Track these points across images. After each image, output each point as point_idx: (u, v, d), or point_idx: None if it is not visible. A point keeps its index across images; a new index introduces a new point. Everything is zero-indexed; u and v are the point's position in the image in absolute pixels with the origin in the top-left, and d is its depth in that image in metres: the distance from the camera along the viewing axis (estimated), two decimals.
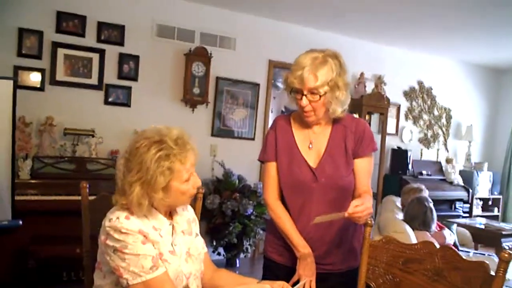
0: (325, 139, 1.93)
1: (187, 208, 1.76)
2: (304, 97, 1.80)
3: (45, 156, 3.92)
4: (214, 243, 4.60)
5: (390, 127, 6.07)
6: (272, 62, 5.28)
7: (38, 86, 4.10)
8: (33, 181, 3.67)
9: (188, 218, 1.73)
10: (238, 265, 4.75)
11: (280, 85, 5.17)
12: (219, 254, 4.66)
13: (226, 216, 4.46)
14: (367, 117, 5.63)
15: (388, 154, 6.08)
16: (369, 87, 5.70)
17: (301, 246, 1.85)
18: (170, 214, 1.64)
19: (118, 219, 1.49)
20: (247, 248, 4.72)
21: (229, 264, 4.70)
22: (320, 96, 1.79)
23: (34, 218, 3.37)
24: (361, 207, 1.64)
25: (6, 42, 3.99)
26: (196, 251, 1.70)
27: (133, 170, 1.51)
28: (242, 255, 4.76)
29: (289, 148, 1.95)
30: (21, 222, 3.16)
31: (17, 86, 3.18)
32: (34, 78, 4.10)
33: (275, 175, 1.96)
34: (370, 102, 5.52)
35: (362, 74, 5.65)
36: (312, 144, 1.93)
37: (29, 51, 4.06)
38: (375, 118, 5.86)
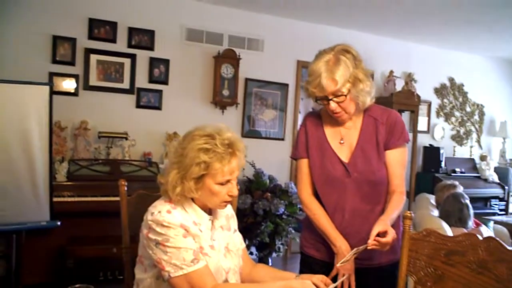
0: (356, 133, 1.92)
1: None
2: (330, 101, 1.79)
3: (80, 159, 4.01)
4: (247, 243, 4.60)
5: (422, 125, 5.98)
6: (300, 62, 5.27)
7: (72, 91, 4.21)
8: (69, 183, 3.76)
9: (226, 214, 1.75)
10: (270, 264, 4.74)
11: None
12: (251, 253, 4.67)
13: (258, 216, 4.47)
14: None
15: (420, 152, 5.99)
16: (399, 85, 5.62)
17: (338, 241, 1.84)
18: (209, 209, 1.65)
19: (160, 213, 1.51)
20: (279, 247, 4.71)
21: (261, 263, 4.69)
22: (345, 95, 1.78)
23: (71, 219, 3.46)
24: (383, 239, 1.63)
25: (41, 50, 4.11)
26: (234, 246, 1.71)
27: (177, 153, 1.56)
28: (274, 254, 4.76)
29: (320, 144, 1.94)
30: (59, 223, 3.25)
31: (52, 92, 3.27)
32: (69, 84, 4.20)
33: (308, 172, 1.96)
34: (400, 100, 5.44)
35: (391, 72, 5.58)
36: (343, 139, 1.92)
37: (63, 58, 4.17)
38: (405, 116, 5.77)
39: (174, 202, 1.56)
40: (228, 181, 1.56)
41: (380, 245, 1.64)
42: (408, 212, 1.70)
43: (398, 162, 1.90)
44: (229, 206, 1.80)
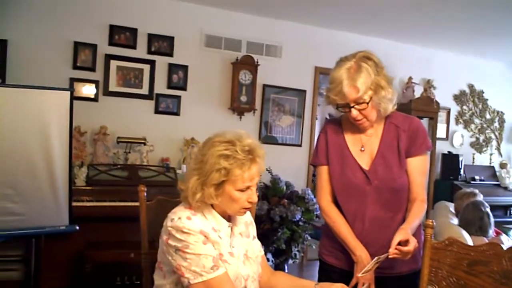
0: (377, 140, 1.90)
1: None
2: (352, 109, 1.78)
3: (99, 164, 4.05)
4: (263, 249, 4.60)
5: (440, 132, 5.91)
6: (318, 69, 5.26)
7: (92, 97, 4.26)
8: (88, 188, 3.79)
9: (245, 220, 1.75)
10: (286, 271, 4.72)
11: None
12: (267, 260, 4.63)
13: (274, 222, 4.45)
14: None
15: (439, 159, 5.92)
16: (418, 92, 5.58)
17: (358, 249, 1.82)
18: (228, 216, 1.65)
19: (180, 219, 1.52)
20: (295, 254, 4.69)
21: (278, 269, 4.65)
22: (367, 103, 1.76)
23: (89, 223, 3.47)
24: (405, 248, 1.61)
25: (62, 55, 4.17)
26: (253, 253, 1.71)
27: (197, 159, 1.56)
28: (290, 261, 4.73)
29: (341, 151, 1.93)
30: (77, 227, 3.28)
31: (73, 97, 3.31)
32: (89, 89, 4.26)
33: (328, 179, 1.95)
34: (419, 107, 5.39)
35: (410, 78, 5.53)
36: (364, 146, 1.90)
37: (83, 64, 4.23)
38: (424, 122, 5.72)
39: (194, 209, 1.56)
40: (248, 187, 1.56)
41: (401, 254, 1.62)
42: (430, 220, 1.68)
43: (419, 170, 1.88)
44: (248, 213, 1.79)
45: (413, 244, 1.63)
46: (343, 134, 1.95)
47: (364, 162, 1.89)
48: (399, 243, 1.61)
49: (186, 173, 1.62)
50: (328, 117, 5.92)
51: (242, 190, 1.55)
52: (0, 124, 2.98)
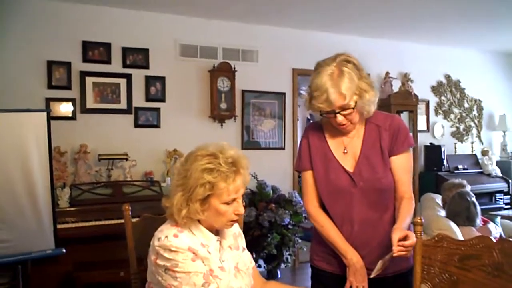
0: (359, 141, 1.89)
1: None
2: (337, 115, 1.76)
3: (82, 183, 3.98)
4: (254, 256, 4.58)
5: (421, 124, 5.96)
6: (296, 70, 5.27)
7: (70, 115, 4.20)
8: (72, 209, 3.73)
9: (234, 232, 1.72)
10: (279, 276, 4.71)
11: (303, 92, 5.10)
12: (259, 266, 4.63)
13: (264, 228, 4.44)
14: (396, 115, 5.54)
15: (421, 151, 5.98)
16: (396, 86, 5.62)
17: (349, 252, 1.80)
18: (216, 229, 1.63)
19: (167, 238, 1.49)
20: (287, 258, 4.67)
21: (271, 275, 4.66)
22: (353, 108, 1.75)
23: (76, 244, 3.43)
24: (407, 242, 1.60)
25: (36, 75, 4.11)
26: (244, 265, 1.68)
27: (180, 175, 1.53)
28: (282, 266, 4.72)
29: (324, 154, 1.91)
30: (64, 250, 3.22)
31: (50, 118, 3.26)
32: (66, 108, 4.19)
33: (313, 183, 1.93)
34: (398, 101, 5.44)
35: (387, 73, 5.58)
36: (346, 148, 1.89)
37: (58, 82, 4.16)
38: (404, 116, 5.75)
39: (180, 225, 1.53)
40: (234, 199, 1.53)
41: (406, 250, 1.60)
42: (418, 218, 1.68)
43: (404, 168, 1.87)
44: (236, 225, 1.76)
45: (413, 237, 1.62)
46: (325, 138, 1.94)
47: (348, 164, 1.88)
48: (399, 241, 1.60)
49: (170, 189, 1.58)
50: (309, 117, 5.95)
51: (228, 203, 1.52)
52: None
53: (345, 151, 1.89)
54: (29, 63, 4.08)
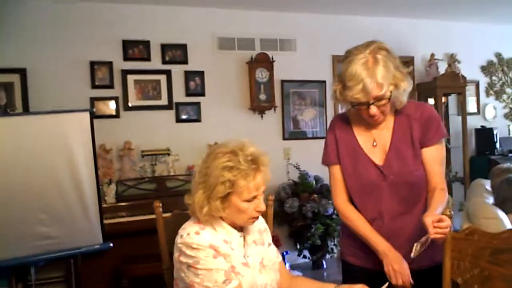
0: (389, 132, 1.82)
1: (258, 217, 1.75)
2: (371, 106, 1.68)
3: (127, 179, 4.12)
4: (298, 247, 4.58)
5: (471, 106, 5.71)
6: (336, 57, 5.16)
7: (114, 113, 4.34)
8: (118, 204, 3.87)
9: (259, 228, 1.72)
10: (325, 267, 4.68)
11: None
12: (304, 257, 4.63)
13: (307, 218, 4.42)
14: (443, 98, 5.34)
15: (472, 135, 5.72)
16: (442, 68, 5.40)
17: (380, 245, 1.75)
18: (240, 225, 1.63)
19: (188, 235, 1.51)
20: (332, 249, 4.64)
21: (316, 266, 4.65)
22: (388, 98, 1.67)
23: (123, 239, 3.54)
24: (443, 223, 1.53)
25: (81, 76, 4.27)
26: (270, 261, 1.68)
27: (201, 173, 1.55)
28: (328, 256, 4.69)
29: (352, 148, 1.85)
30: (111, 244, 3.35)
31: (93, 117, 3.36)
32: (109, 106, 4.34)
33: (341, 178, 1.88)
34: (444, 83, 5.22)
35: (432, 55, 5.37)
36: (376, 141, 1.83)
37: (101, 82, 4.31)
38: (452, 99, 5.55)
39: (202, 223, 1.55)
40: (254, 197, 1.53)
41: (442, 232, 1.54)
42: (448, 210, 1.62)
43: (436, 160, 1.79)
44: (262, 220, 1.77)
45: (447, 219, 1.55)
46: (353, 130, 1.87)
47: (377, 157, 1.82)
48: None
49: (192, 186, 1.61)
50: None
51: (249, 201, 1.53)
52: (27, 151, 3.05)
53: (375, 143, 1.83)
54: (73, 65, 4.24)
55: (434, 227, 1.53)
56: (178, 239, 1.54)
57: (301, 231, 4.46)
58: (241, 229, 1.63)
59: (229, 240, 1.57)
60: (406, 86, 1.70)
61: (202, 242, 1.50)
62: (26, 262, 3.00)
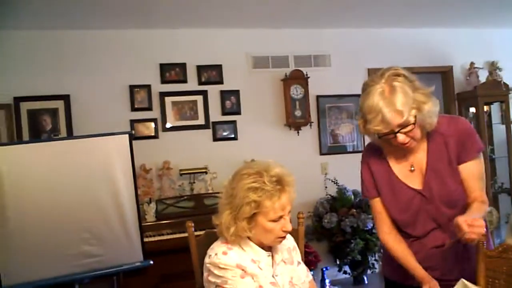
0: (424, 154, 1.78)
1: (287, 236, 1.76)
2: (398, 134, 1.64)
3: (167, 198, 4.22)
4: (338, 262, 4.53)
5: None
6: (371, 70, 5.12)
7: (153, 134, 4.47)
8: (158, 222, 3.96)
9: (288, 247, 1.74)
10: (366, 282, 4.60)
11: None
12: (345, 272, 4.57)
13: (346, 233, 4.37)
14: (485, 107, 5.18)
15: None
16: (482, 76, 5.25)
17: (423, 277, 1.71)
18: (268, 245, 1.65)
19: (216, 255, 1.55)
20: (373, 264, 4.56)
21: (357, 281, 4.58)
22: (413, 123, 1.63)
23: (163, 256, 3.62)
24: (477, 223, 1.49)
25: (121, 100, 4.43)
26: (299, 280, 1.69)
27: (227, 194, 1.59)
28: (369, 271, 4.61)
29: (388, 178, 1.82)
30: (152, 262, 3.43)
31: (133, 138, 3.49)
32: (148, 128, 4.46)
33: (382, 210, 1.86)
34: (486, 92, 5.07)
35: (471, 63, 5.23)
36: (413, 165, 1.79)
37: (141, 105, 4.45)
38: (495, 107, 5.38)
39: (230, 242, 1.59)
40: (280, 217, 1.56)
41: (476, 232, 1.49)
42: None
43: (475, 175, 1.75)
44: (290, 238, 1.79)
45: (481, 221, 1.50)
46: (387, 159, 1.83)
47: (416, 181, 1.78)
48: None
49: (219, 207, 1.65)
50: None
51: (275, 221, 1.55)
52: (70, 173, 3.19)
53: (412, 168, 1.79)
54: (114, 89, 4.41)
55: (468, 225, 1.48)
56: (206, 259, 1.58)
57: (340, 246, 4.41)
58: (269, 248, 1.65)
59: (257, 260, 1.59)
60: (431, 107, 1.65)
61: (229, 262, 1.53)
62: (71, 280, 3.12)
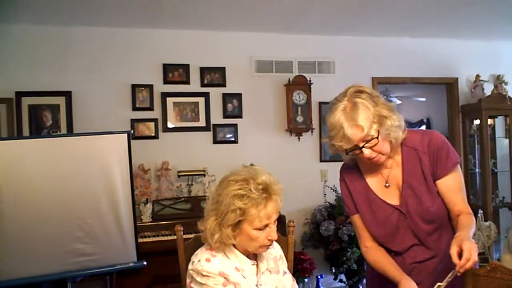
0: (399, 169, 1.79)
1: (274, 245, 1.74)
2: (363, 149, 1.66)
3: (164, 199, 4.20)
4: (334, 270, 4.49)
5: None
6: (376, 79, 5.10)
7: (153, 134, 4.45)
8: (154, 223, 3.95)
9: (274, 256, 1.72)
10: None
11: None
12: (341, 281, 4.53)
13: (343, 242, 4.33)
14: (489, 121, 5.14)
15: None
16: (488, 89, 5.21)
17: (398, 276, 1.71)
18: (253, 253, 1.64)
19: (199, 262, 1.53)
20: None
21: None
22: (376, 137, 1.64)
23: (156, 257, 3.60)
24: (472, 257, 1.46)
25: (122, 99, 4.42)
26: None
27: (213, 200, 1.58)
28: (364, 281, 4.56)
29: (365, 195, 1.83)
30: (145, 263, 3.41)
31: (131, 138, 3.47)
32: (149, 128, 4.46)
33: (362, 226, 1.88)
34: (490, 105, 5.02)
35: (477, 76, 5.19)
36: (388, 181, 1.80)
37: (142, 104, 4.44)
38: (499, 121, 5.33)
39: (214, 249, 1.57)
40: (266, 225, 1.54)
41: (468, 264, 1.47)
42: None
43: (455, 189, 1.75)
44: (278, 247, 1.77)
45: (470, 248, 1.48)
46: (363, 176, 1.84)
47: (393, 197, 1.79)
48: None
49: (205, 213, 1.63)
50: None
51: (260, 229, 1.53)
52: (67, 171, 3.18)
53: (387, 184, 1.80)
54: (116, 88, 4.40)
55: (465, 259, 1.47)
56: (190, 266, 1.57)
57: (337, 254, 4.37)
58: (254, 256, 1.64)
59: (241, 268, 1.57)
60: (394, 121, 1.67)
61: (212, 270, 1.51)
62: (63, 277, 3.10)
